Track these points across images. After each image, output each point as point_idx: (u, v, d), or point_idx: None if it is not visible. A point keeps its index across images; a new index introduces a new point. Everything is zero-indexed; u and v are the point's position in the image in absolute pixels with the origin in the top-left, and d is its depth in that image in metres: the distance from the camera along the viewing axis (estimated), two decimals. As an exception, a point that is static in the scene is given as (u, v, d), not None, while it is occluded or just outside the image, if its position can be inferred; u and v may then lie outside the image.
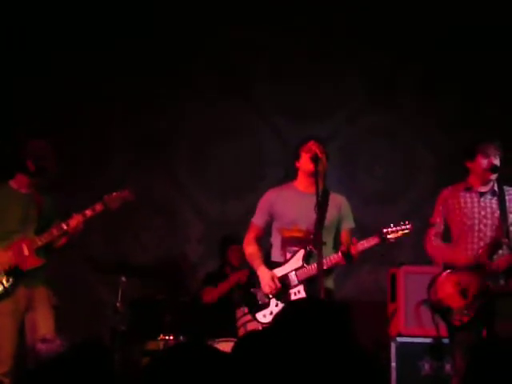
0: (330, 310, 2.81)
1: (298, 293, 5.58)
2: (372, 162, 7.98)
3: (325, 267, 5.34)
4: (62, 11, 8.01)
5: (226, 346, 5.67)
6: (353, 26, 8.09)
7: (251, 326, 5.65)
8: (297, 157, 5.65)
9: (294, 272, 5.56)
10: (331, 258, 5.41)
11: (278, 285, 5.58)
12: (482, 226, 5.51)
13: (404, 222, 5.41)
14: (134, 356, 6.72)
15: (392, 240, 5.41)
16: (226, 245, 7.44)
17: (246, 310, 5.81)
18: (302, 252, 5.54)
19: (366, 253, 5.60)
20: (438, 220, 5.68)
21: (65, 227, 5.78)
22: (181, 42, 8.21)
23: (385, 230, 5.39)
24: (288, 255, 5.63)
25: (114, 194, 5.92)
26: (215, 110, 8.05)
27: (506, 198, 5.54)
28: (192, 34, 8.21)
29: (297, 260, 5.57)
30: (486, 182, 5.53)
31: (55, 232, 5.80)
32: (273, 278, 5.60)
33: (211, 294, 7.28)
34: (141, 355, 6.68)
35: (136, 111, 8.05)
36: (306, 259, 5.53)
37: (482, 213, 5.52)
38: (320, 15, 8.11)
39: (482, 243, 5.48)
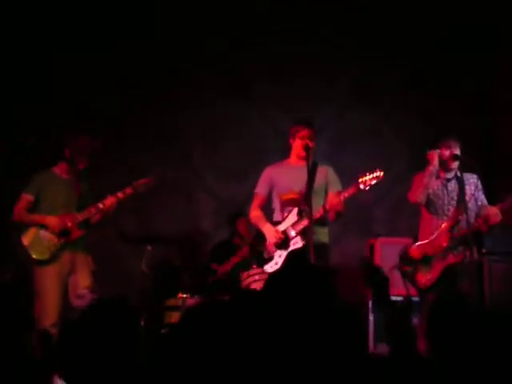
0: (318, 272, 3.02)
1: (296, 243, 6.00)
2: (356, 150, 8.08)
3: (316, 216, 5.77)
4: (63, 11, 7.86)
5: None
6: (348, 29, 8.17)
7: (254, 286, 6.03)
8: (292, 136, 6.11)
9: (291, 227, 6.03)
10: (317, 212, 5.81)
11: (282, 235, 6.01)
12: (450, 207, 5.93)
13: (376, 169, 5.80)
14: (157, 311, 6.86)
15: (367, 187, 5.77)
16: (235, 218, 7.66)
17: (250, 271, 6.22)
18: (295, 209, 6.01)
19: (350, 226, 6.14)
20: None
21: (101, 206, 6.14)
22: (195, 39, 8.08)
23: (360, 180, 5.77)
24: (285, 214, 6.09)
25: (142, 180, 6.26)
26: (222, 105, 8.13)
27: (466, 182, 5.91)
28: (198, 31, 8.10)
29: (292, 216, 6.04)
30: (449, 170, 5.93)
31: (92, 210, 6.15)
32: (277, 231, 6.04)
33: (224, 268, 7.43)
34: (163, 310, 6.87)
35: (154, 106, 8.07)
36: (300, 215, 5.97)
37: (451, 195, 5.93)
38: (314, 19, 8.18)
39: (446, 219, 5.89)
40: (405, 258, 6.00)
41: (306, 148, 5.94)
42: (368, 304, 6.88)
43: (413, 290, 6.13)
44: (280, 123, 7.94)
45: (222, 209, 8.12)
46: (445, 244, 5.83)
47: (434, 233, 5.90)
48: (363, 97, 8.27)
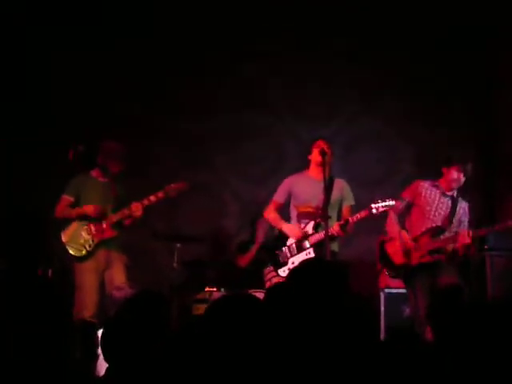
0: (333, 268, 3.14)
1: (309, 254, 6.08)
2: (366, 155, 8.14)
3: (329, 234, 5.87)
4: (63, 11, 7.69)
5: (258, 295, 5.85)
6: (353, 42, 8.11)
7: (276, 280, 6.11)
8: (309, 152, 6.26)
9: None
10: (331, 229, 5.88)
11: (303, 230, 6.07)
12: (436, 214, 6.09)
13: (389, 199, 5.90)
14: (186, 304, 6.86)
15: (378, 213, 5.84)
16: (255, 219, 7.59)
17: (271, 267, 6.26)
18: (312, 223, 6.11)
19: (362, 225, 6.03)
20: (404, 201, 6.15)
21: (127, 212, 6.27)
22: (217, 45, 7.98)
23: (373, 206, 5.83)
24: (302, 225, 6.17)
25: (173, 185, 6.32)
26: (245, 114, 8.15)
27: (458, 202, 6.13)
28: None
29: (308, 229, 6.12)
30: (450, 189, 6.13)
31: (126, 212, 6.29)
32: (298, 226, 6.11)
33: (244, 260, 7.52)
34: (192, 303, 6.86)
35: (183, 116, 8.05)
36: (316, 228, 6.08)
37: (440, 205, 6.09)
38: (326, 29, 8.11)
39: (430, 226, 6.05)
40: (381, 249, 6.21)
41: (322, 152, 6.02)
42: (380, 296, 6.96)
43: (397, 283, 6.34)
44: (298, 131, 8.06)
45: (244, 210, 8.13)
46: (426, 246, 5.96)
47: (419, 231, 6.05)
48: (372, 103, 8.28)
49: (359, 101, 8.27)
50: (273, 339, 2.60)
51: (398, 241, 6.08)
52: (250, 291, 6.15)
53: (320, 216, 5.96)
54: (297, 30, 8.16)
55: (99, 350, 3.31)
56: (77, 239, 6.23)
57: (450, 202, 6.13)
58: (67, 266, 6.38)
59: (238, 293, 2.82)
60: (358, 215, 5.92)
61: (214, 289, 6.98)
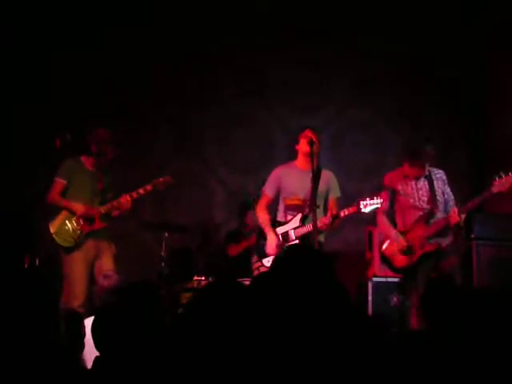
0: (316, 254, 3.17)
1: None
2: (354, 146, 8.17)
3: (308, 230, 5.86)
4: (63, 11, 7.68)
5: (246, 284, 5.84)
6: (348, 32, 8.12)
7: (263, 269, 6.04)
8: (297, 142, 6.13)
9: (292, 230, 6.06)
10: (321, 220, 5.82)
11: (279, 250, 5.97)
12: (421, 202, 5.97)
13: (377, 197, 5.82)
14: (175, 292, 6.90)
15: (367, 211, 5.78)
16: (243, 210, 7.64)
17: (257, 257, 6.23)
18: (299, 215, 6.05)
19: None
20: (384, 204, 5.96)
21: (116, 204, 6.22)
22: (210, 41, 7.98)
23: (361, 202, 5.78)
24: (289, 217, 6.12)
25: (161, 179, 6.32)
26: (235, 103, 8.12)
27: (433, 177, 5.98)
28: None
29: (295, 221, 6.07)
30: (418, 175, 5.96)
31: (114, 204, 6.24)
32: (277, 246, 6.02)
33: (235, 250, 7.53)
34: (180, 292, 6.90)
35: (172, 105, 8.00)
36: (303, 221, 6.02)
37: (420, 192, 5.97)
38: (317, 19, 8.09)
39: (421, 214, 5.96)
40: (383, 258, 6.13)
41: (310, 142, 5.94)
42: (367, 285, 6.93)
43: (391, 272, 6.22)
44: (288, 120, 8.03)
45: (232, 199, 8.11)
46: (422, 234, 5.88)
47: (410, 225, 5.97)
48: (363, 95, 8.28)
49: (349, 91, 8.29)
50: (258, 327, 2.61)
51: (394, 243, 6.00)
52: (239, 280, 6.06)
53: (308, 206, 5.90)
54: (288, 21, 8.15)
55: (86, 340, 3.33)
56: (65, 230, 6.20)
57: (426, 182, 6.00)
58: (54, 254, 6.31)
59: (222, 280, 3.03)
60: (346, 211, 5.88)
61: (203, 278, 6.98)
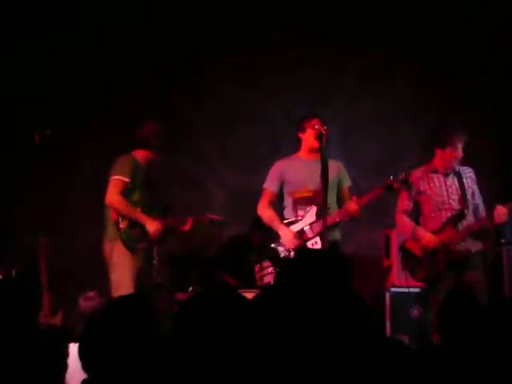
0: (334, 258, 3.04)
1: (315, 244, 5.91)
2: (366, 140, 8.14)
3: (334, 221, 5.79)
4: (63, 11, 7.83)
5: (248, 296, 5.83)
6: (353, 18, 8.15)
7: (268, 279, 5.97)
8: (302, 129, 5.99)
9: (308, 226, 5.91)
10: (337, 213, 5.80)
11: (300, 241, 5.88)
12: (450, 201, 5.92)
13: (401, 174, 5.79)
14: (167, 306, 6.76)
15: (396, 187, 5.79)
16: (251, 229, 7.18)
17: (263, 264, 6.09)
18: (313, 208, 5.90)
19: (363, 216, 5.95)
20: (406, 202, 6.01)
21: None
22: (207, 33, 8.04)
23: (384, 183, 5.79)
24: (300, 213, 5.96)
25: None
26: (236, 95, 8.13)
27: (463, 175, 5.96)
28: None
29: (310, 215, 5.92)
30: (449, 169, 5.96)
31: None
32: (295, 236, 5.90)
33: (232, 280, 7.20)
34: (173, 305, 6.76)
35: (167, 98, 8.05)
36: (319, 214, 5.83)
37: (450, 190, 5.93)
38: (324, 7, 8.15)
39: (450, 215, 5.89)
40: (404, 253, 6.03)
41: (320, 136, 5.71)
42: (385, 296, 6.87)
43: (412, 282, 6.19)
44: (293, 114, 7.83)
45: (232, 201, 8.05)
46: (451, 238, 5.81)
47: (436, 228, 5.88)
48: (375, 85, 8.27)
49: (360, 81, 8.30)
50: (260, 347, 2.49)
51: (417, 243, 5.91)
52: (240, 291, 5.84)
53: (320, 200, 5.69)
54: (288, 21, 8.22)
55: (69, 360, 3.22)
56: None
57: (455, 179, 5.96)
58: (34, 266, 6.21)
59: (216, 291, 2.84)
60: (371, 194, 5.81)
61: (198, 289, 6.88)
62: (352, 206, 5.79)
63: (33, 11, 7.80)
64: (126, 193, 5.97)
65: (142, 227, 5.97)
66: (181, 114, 8.11)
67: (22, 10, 7.78)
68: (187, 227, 6.19)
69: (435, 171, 5.96)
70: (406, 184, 5.80)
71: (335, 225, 5.84)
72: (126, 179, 5.95)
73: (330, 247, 5.48)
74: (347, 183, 6.11)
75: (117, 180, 5.94)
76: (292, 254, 5.92)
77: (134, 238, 5.96)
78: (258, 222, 6.91)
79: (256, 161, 7.85)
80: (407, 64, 8.25)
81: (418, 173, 6.02)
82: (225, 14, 8.10)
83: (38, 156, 6.15)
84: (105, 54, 7.90)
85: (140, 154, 6.11)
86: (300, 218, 5.97)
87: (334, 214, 5.80)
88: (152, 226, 5.98)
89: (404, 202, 5.97)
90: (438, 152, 5.93)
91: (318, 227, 5.85)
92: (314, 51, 8.14)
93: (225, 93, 8.14)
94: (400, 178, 5.75)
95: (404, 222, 6.01)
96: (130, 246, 5.93)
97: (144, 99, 7.90)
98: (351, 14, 8.17)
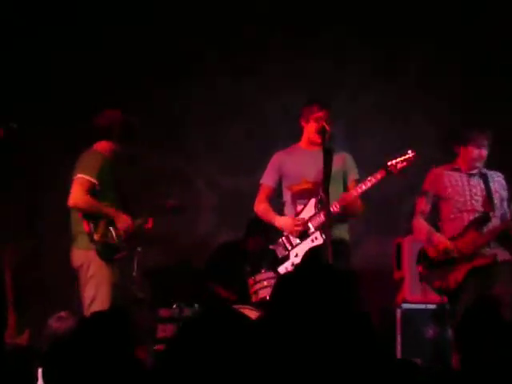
0: (337, 275, 2.81)
1: (315, 239, 5.69)
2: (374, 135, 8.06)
3: (332, 210, 5.45)
4: (63, 11, 7.92)
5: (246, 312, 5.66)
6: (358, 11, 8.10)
7: (263, 293, 5.72)
8: (305, 118, 5.78)
9: (308, 220, 5.70)
10: (335, 203, 5.46)
11: (302, 220, 5.66)
12: (473, 202, 5.75)
13: (407, 151, 5.56)
14: (149, 323, 6.71)
15: (397, 170, 5.54)
16: (247, 235, 7.18)
17: (257, 277, 5.83)
18: (313, 200, 5.67)
19: (372, 223, 5.89)
20: (423, 203, 5.87)
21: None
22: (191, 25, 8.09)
23: (389, 163, 5.54)
24: (299, 207, 5.76)
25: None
26: (236, 95, 8.12)
27: (490, 178, 5.80)
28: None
29: (310, 208, 5.71)
30: (473, 168, 5.80)
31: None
32: (294, 220, 5.70)
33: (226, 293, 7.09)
34: (156, 322, 6.71)
35: (150, 94, 8.02)
36: (318, 206, 5.65)
37: (473, 190, 5.77)
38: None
39: (473, 217, 5.72)
40: (422, 259, 5.84)
41: (322, 131, 5.50)
42: (396, 313, 6.62)
43: (430, 296, 6.20)
44: (294, 110, 7.50)
45: (224, 203, 7.98)
46: (474, 242, 5.65)
47: (457, 232, 5.72)
48: (375, 84, 8.21)
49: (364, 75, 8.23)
50: (265, 370, 2.40)
51: (433, 248, 5.73)
52: (236, 307, 5.80)
53: (320, 191, 5.47)
54: (288, 21, 8.18)
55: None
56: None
57: (481, 180, 5.80)
58: None
59: (218, 308, 2.69)
60: (373, 178, 5.54)
61: (184, 304, 6.72)
62: (349, 193, 5.64)
63: (33, 11, 7.93)
64: (92, 195, 5.71)
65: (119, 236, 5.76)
66: (181, 114, 8.15)
67: (22, 10, 7.92)
68: (150, 225, 6.00)
69: (457, 169, 5.84)
70: (410, 162, 5.59)
71: (338, 219, 5.60)
72: (93, 180, 5.65)
73: (335, 247, 5.25)
74: (356, 176, 5.85)
75: (82, 179, 5.64)
76: (291, 252, 5.76)
77: (111, 247, 5.73)
78: (254, 225, 6.97)
79: (248, 161, 7.82)
80: (407, 64, 8.21)
81: (437, 170, 5.89)
82: (225, 14, 8.15)
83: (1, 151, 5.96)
84: (105, 53, 7.98)
85: (102, 146, 5.80)
86: (299, 211, 5.77)
87: (332, 204, 5.51)
88: (121, 221, 5.73)
89: (421, 204, 5.86)
90: (460, 150, 5.82)
91: (317, 221, 5.67)
92: (314, 51, 8.12)
93: (225, 92, 8.15)
94: (404, 156, 5.58)
95: (420, 224, 5.87)
96: (106, 257, 5.68)
97: (144, 99, 7.93)
98: (351, 14, 8.14)
